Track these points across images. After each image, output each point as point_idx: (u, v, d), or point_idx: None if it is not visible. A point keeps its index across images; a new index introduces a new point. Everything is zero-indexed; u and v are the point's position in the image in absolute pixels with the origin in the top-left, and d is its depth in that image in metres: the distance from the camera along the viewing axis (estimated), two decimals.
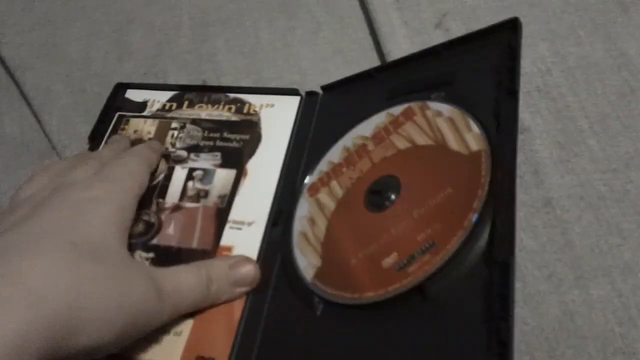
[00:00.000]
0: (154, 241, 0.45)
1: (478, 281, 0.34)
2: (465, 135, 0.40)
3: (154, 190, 0.48)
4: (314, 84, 0.52)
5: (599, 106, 0.47)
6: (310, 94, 0.51)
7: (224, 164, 0.48)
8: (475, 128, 0.40)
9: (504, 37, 0.42)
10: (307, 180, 0.46)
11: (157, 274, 0.37)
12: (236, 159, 0.48)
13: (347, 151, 0.46)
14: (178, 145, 0.50)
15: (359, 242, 0.40)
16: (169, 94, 0.53)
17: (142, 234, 0.46)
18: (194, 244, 0.45)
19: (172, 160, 0.49)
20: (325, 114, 0.50)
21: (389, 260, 0.38)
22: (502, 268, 0.33)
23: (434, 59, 0.46)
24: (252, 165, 0.48)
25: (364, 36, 0.55)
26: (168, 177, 0.48)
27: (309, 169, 0.47)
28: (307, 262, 0.42)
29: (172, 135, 0.50)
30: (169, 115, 0.52)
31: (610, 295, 0.40)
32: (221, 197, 0.47)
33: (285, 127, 0.49)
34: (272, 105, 0.51)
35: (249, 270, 0.41)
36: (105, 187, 0.39)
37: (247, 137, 0.49)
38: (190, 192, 0.47)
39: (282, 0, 0.58)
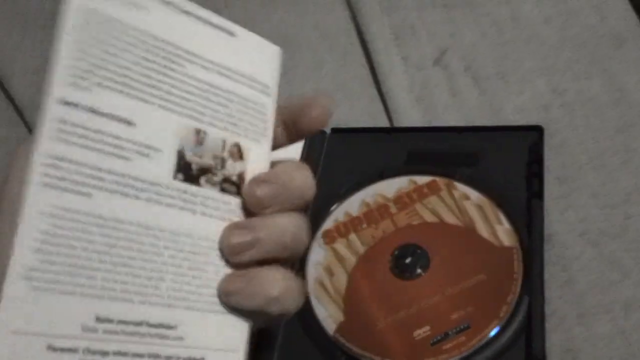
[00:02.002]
0: None
1: None
2: (495, 226, 0.44)
3: None
4: None
5: (598, 141, 0.48)
6: (318, 132, 0.51)
7: None
8: (505, 223, 0.44)
9: (529, 139, 0.47)
10: (323, 226, 0.47)
11: None
12: None
13: (367, 207, 0.47)
14: None
15: (386, 306, 0.43)
16: None
17: None
18: None
19: None
20: (335, 156, 0.51)
21: (421, 333, 0.41)
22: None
23: (455, 136, 0.49)
24: None
25: (365, 72, 0.56)
26: None
27: (322, 213, 0.48)
28: (327, 314, 0.43)
29: None
30: None
31: (613, 332, 0.41)
32: None
33: (293, 156, 0.50)
34: None
35: None
36: None
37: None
38: None
39: (284, 37, 0.59)
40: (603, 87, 0.51)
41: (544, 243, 0.42)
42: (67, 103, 0.25)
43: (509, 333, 0.40)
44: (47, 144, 0.25)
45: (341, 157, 0.51)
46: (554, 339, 0.41)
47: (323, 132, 0.51)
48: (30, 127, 0.57)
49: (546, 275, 0.43)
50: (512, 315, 0.40)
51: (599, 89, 0.51)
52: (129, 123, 0.27)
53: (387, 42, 0.57)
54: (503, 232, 0.43)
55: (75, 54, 0.25)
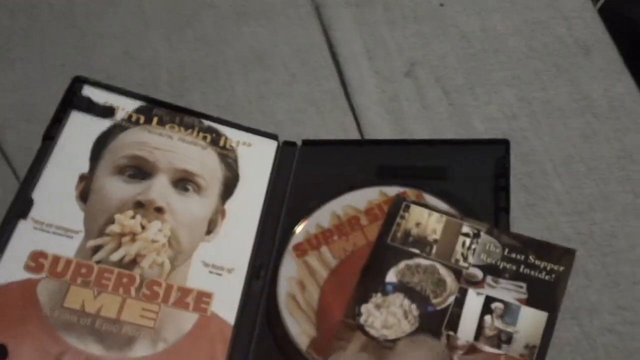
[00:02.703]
0: None
1: None
2: None
3: (444, 317, 0.40)
4: (290, 134, 0.53)
5: (563, 149, 0.49)
6: (289, 144, 0.52)
7: (531, 301, 0.39)
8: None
9: (494, 149, 0.47)
10: (293, 239, 0.47)
11: None
12: (547, 296, 0.40)
13: (338, 219, 0.47)
14: (471, 260, 0.42)
15: None
16: (136, 103, 0.50)
17: None
18: None
19: (464, 280, 0.41)
20: (306, 168, 0.51)
21: None
22: None
23: (424, 149, 0.50)
24: (230, 205, 0.48)
25: (336, 86, 0.57)
26: (459, 302, 0.40)
27: (291, 225, 0.48)
28: (300, 329, 0.43)
29: (464, 244, 0.43)
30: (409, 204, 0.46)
31: (578, 337, 0.41)
32: (529, 347, 0.38)
33: (263, 170, 0.50)
34: (250, 145, 0.51)
35: None
36: None
37: (560, 268, 0.40)
38: (488, 332, 0.38)
39: (257, 54, 0.59)
40: (569, 96, 0.52)
41: None
42: None
43: None
44: None
45: (312, 169, 0.51)
46: None
47: (294, 144, 0.52)
48: (1, 147, 0.57)
49: None
50: None
51: (566, 97, 0.52)
52: None
53: (358, 56, 0.57)
54: None
55: None
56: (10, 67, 0.61)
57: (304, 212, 0.49)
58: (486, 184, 0.46)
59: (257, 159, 0.50)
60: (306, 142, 0.52)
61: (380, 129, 0.53)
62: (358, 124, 0.54)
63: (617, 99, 0.51)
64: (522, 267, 0.40)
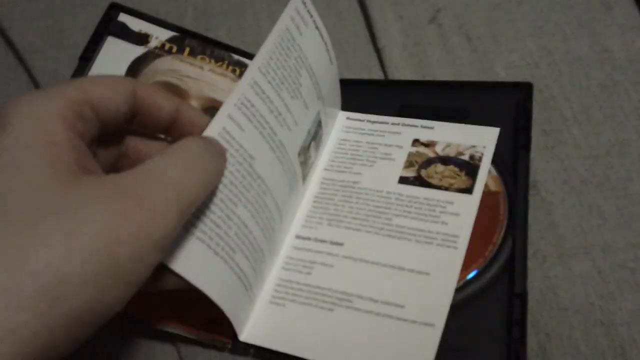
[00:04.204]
0: None
1: (496, 304, 0.41)
2: None
3: None
4: None
5: (583, 97, 0.50)
6: None
7: None
8: (493, 171, 0.46)
9: (517, 92, 0.49)
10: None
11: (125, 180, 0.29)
12: None
13: None
14: None
15: None
16: (169, 33, 0.52)
17: None
18: None
19: None
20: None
21: None
22: (520, 298, 0.40)
23: (447, 90, 0.51)
24: None
25: (360, 29, 0.58)
26: None
27: None
28: None
29: None
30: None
31: (591, 271, 0.43)
32: None
33: None
34: None
35: None
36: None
37: None
38: None
39: None
40: (590, 47, 0.53)
41: (529, 189, 0.44)
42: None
43: (494, 270, 0.42)
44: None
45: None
46: (536, 277, 0.43)
47: None
48: (30, 71, 0.57)
49: (530, 219, 0.45)
50: (497, 254, 0.43)
51: (586, 49, 0.53)
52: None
53: (384, 2, 0.58)
54: (491, 179, 0.45)
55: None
56: None
57: None
58: (508, 125, 0.47)
59: None
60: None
61: (403, 71, 0.54)
62: (382, 66, 0.55)
63: (636, 53, 0.52)
64: None
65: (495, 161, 0.46)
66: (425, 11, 0.57)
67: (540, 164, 0.47)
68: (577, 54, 0.53)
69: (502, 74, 0.53)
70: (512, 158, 0.46)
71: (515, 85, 0.49)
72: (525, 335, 0.39)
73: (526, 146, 0.46)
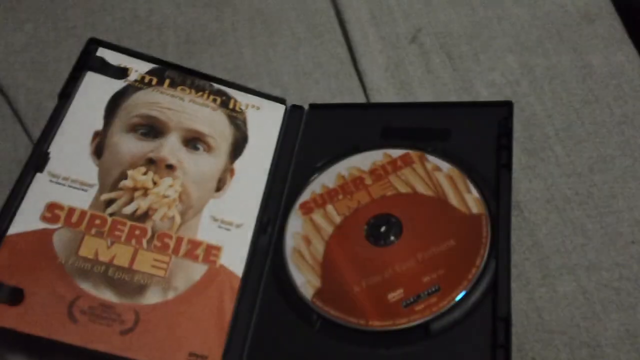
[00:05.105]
0: None
1: (479, 328, 0.40)
2: (465, 195, 0.46)
3: None
4: (296, 97, 0.54)
5: (565, 114, 0.50)
6: (296, 107, 0.53)
7: None
8: (474, 192, 0.45)
9: (497, 111, 0.48)
10: (300, 198, 0.49)
11: None
12: None
13: (343, 179, 0.49)
14: None
15: (361, 271, 0.44)
16: (148, 65, 0.52)
17: None
18: None
19: None
20: (313, 131, 0.52)
21: (395, 295, 0.43)
22: (504, 322, 0.39)
23: (428, 111, 0.51)
24: (239, 165, 0.49)
25: (342, 51, 0.58)
26: None
27: (299, 185, 0.49)
28: (304, 280, 0.45)
29: None
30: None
31: (576, 292, 0.43)
32: None
33: (271, 132, 0.51)
34: (258, 108, 0.52)
35: None
36: None
37: None
38: None
39: (264, 18, 0.60)
40: (571, 62, 0.53)
41: (511, 209, 0.44)
42: None
43: (477, 294, 0.42)
44: None
45: (318, 132, 0.52)
46: (520, 299, 0.43)
47: (301, 108, 0.53)
48: (13, 106, 0.57)
49: (513, 240, 0.45)
50: (480, 277, 0.42)
51: (567, 64, 0.53)
52: None
53: (364, 22, 0.58)
54: (472, 201, 0.45)
55: None
56: (21, 28, 0.61)
57: (310, 173, 0.50)
58: (489, 144, 0.47)
59: (265, 122, 0.52)
60: (313, 106, 0.54)
61: (385, 93, 0.54)
62: (364, 88, 0.55)
63: (618, 66, 0.52)
64: None
65: (476, 182, 0.46)
66: (406, 31, 0.57)
67: (523, 183, 0.47)
68: (559, 69, 0.52)
69: (484, 93, 0.52)
70: (495, 178, 0.45)
71: (496, 104, 0.49)
72: (510, 359, 0.39)
73: (508, 165, 0.45)
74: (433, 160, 0.48)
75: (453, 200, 0.46)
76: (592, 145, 0.48)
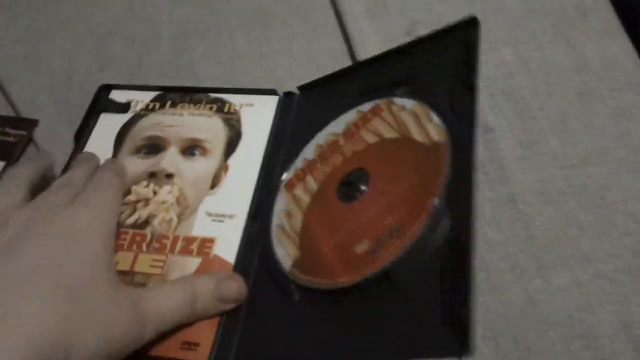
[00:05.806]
0: None
1: (439, 262, 0.36)
2: (427, 126, 0.43)
3: None
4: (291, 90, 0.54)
5: (559, 107, 0.50)
6: (288, 94, 0.53)
7: None
8: (436, 119, 0.42)
9: (464, 35, 0.44)
10: (284, 176, 0.48)
11: (142, 299, 0.38)
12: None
13: (320, 148, 0.48)
14: None
15: (332, 231, 0.43)
16: (152, 94, 0.54)
17: None
18: None
19: None
20: (302, 113, 0.52)
21: (361, 247, 0.40)
22: (461, 247, 0.35)
23: (399, 57, 0.49)
24: (232, 161, 0.50)
25: (338, 44, 0.58)
26: None
27: (286, 166, 0.49)
28: (285, 253, 0.44)
29: None
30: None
31: (570, 283, 0.43)
32: None
33: (264, 125, 0.51)
34: (252, 105, 0.53)
35: (235, 287, 0.42)
36: (88, 216, 0.39)
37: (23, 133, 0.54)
38: None
39: (258, 11, 0.60)
40: (565, 55, 0.53)
41: (477, 135, 0.39)
42: None
43: (436, 225, 0.38)
44: None
45: (308, 113, 0.51)
46: (515, 291, 0.43)
47: (292, 94, 0.53)
48: (8, 98, 0.57)
49: (508, 232, 0.45)
50: (439, 206, 0.38)
51: (562, 57, 0.53)
52: None
53: (360, 15, 0.58)
54: (433, 129, 0.42)
55: None
56: (13, 23, 0.61)
57: (296, 153, 0.49)
58: (458, 71, 0.43)
59: (259, 116, 0.52)
60: (302, 88, 0.53)
61: None
62: None
63: (613, 59, 0.52)
64: None
65: (437, 109, 0.43)
66: (402, 24, 0.57)
67: (517, 175, 0.47)
68: (553, 62, 0.52)
69: (479, 85, 0.52)
70: (452, 98, 0.42)
71: (459, 27, 0.45)
72: (468, 288, 0.33)
73: (468, 82, 0.41)
74: (399, 101, 0.46)
75: (417, 135, 0.43)
76: (587, 138, 0.48)
